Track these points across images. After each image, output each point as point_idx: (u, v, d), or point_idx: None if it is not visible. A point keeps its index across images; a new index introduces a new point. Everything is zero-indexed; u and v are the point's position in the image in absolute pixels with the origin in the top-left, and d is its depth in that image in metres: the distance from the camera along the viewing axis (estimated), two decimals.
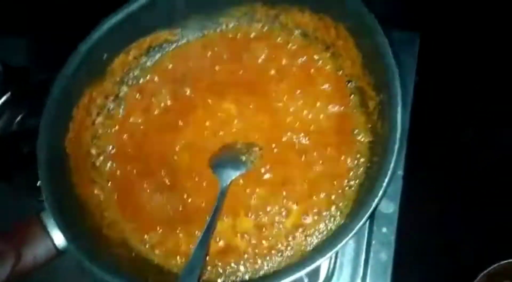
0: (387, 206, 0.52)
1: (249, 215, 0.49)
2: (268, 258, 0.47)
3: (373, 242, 0.51)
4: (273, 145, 0.51)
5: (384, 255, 0.50)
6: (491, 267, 0.54)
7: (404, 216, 0.54)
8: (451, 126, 0.61)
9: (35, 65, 0.70)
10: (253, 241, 0.48)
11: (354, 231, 0.39)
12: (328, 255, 0.39)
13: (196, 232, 0.49)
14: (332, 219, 0.47)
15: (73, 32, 0.52)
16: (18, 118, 0.67)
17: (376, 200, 0.39)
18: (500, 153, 0.62)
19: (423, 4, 0.65)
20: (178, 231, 0.50)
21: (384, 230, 0.51)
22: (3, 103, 0.68)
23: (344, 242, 0.39)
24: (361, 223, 0.39)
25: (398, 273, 0.51)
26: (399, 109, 0.40)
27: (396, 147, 0.40)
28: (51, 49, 0.68)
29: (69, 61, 0.49)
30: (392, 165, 0.40)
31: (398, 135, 0.40)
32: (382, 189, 0.39)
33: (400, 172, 0.53)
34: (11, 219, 0.53)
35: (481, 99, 0.61)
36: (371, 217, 0.51)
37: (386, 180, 0.39)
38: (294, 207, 0.48)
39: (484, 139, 0.62)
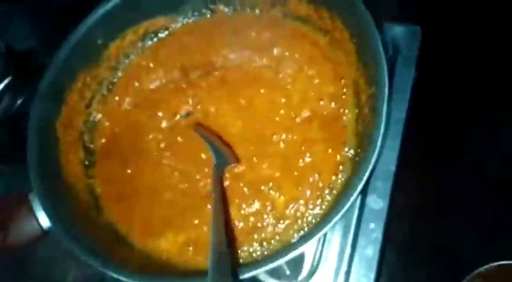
0: (376, 201, 0.51)
1: (237, 205, 0.48)
2: (253, 247, 0.47)
3: (360, 237, 0.50)
4: (264, 138, 0.51)
5: (370, 251, 0.49)
6: (483, 268, 0.53)
7: (394, 212, 0.53)
8: (450, 123, 0.60)
9: (38, 49, 0.71)
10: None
11: (330, 224, 0.39)
12: (304, 246, 0.39)
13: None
14: (315, 211, 0.47)
15: (77, 16, 0.53)
16: (20, 101, 0.68)
17: (355, 194, 0.39)
18: (502, 152, 0.60)
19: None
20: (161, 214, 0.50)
21: (372, 225, 0.50)
22: (5, 86, 0.69)
23: (319, 234, 0.39)
24: (337, 217, 0.39)
25: (383, 270, 0.50)
26: (385, 103, 0.40)
27: (379, 139, 0.39)
28: (54, 33, 0.69)
29: (63, 46, 0.50)
30: (373, 158, 0.39)
31: (382, 128, 0.39)
32: (362, 182, 0.39)
33: (392, 168, 0.52)
34: None
35: (482, 96, 0.60)
36: (360, 211, 0.51)
37: (367, 172, 0.39)
38: (281, 198, 0.48)
39: (486, 138, 0.60)
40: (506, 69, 0.60)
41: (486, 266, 0.51)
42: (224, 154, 0.49)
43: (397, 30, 0.58)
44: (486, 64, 0.60)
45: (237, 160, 0.50)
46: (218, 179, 0.47)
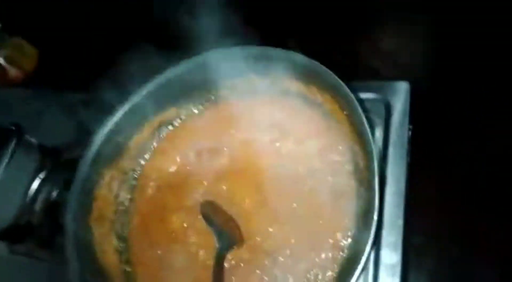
0: (390, 256, 0.54)
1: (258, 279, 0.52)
2: None
3: None
4: (276, 209, 0.55)
5: None
6: None
7: (410, 264, 0.55)
8: (450, 172, 0.63)
9: (67, 143, 0.78)
10: None
11: None
12: None
13: None
14: (332, 275, 0.50)
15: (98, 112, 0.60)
16: (56, 192, 0.75)
17: (364, 257, 0.42)
18: (498, 194, 0.62)
19: (410, 54, 0.68)
20: None
21: (389, 281, 0.53)
22: (41, 179, 0.77)
23: None
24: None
25: None
26: (376, 175, 0.44)
27: (375, 214, 0.43)
28: (80, 129, 0.77)
29: (86, 152, 0.57)
30: (373, 227, 0.43)
31: (376, 201, 0.43)
32: (368, 246, 0.42)
33: (400, 222, 0.55)
34: None
35: (476, 141, 0.63)
36: (375, 267, 0.54)
37: (371, 236, 0.43)
38: (299, 266, 0.52)
39: (487, 184, 0.63)
40: (498, 100, 0.64)
41: None
42: (227, 236, 0.53)
43: (387, 87, 0.63)
44: (476, 108, 0.64)
45: (242, 240, 0.54)
46: (219, 264, 0.51)
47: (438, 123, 0.65)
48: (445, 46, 0.69)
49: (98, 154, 0.57)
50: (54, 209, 0.74)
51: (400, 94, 0.62)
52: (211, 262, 0.54)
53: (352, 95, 0.47)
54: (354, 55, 0.75)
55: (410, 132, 0.60)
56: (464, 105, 0.65)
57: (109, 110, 0.60)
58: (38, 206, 0.75)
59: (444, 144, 0.64)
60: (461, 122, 0.64)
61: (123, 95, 0.60)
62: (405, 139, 0.59)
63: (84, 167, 0.56)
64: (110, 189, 0.60)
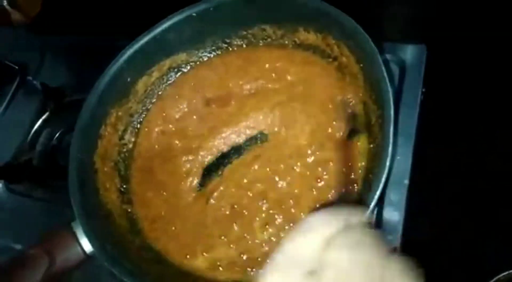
0: (392, 214, 0.54)
1: (260, 224, 0.52)
2: None
3: None
4: (282, 159, 0.55)
5: None
6: (501, 275, 0.54)
7: (411, 224, 0.55)
8: (459, 136, 0.62)
9: (70, 85, 0.77)
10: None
11: None
12: None
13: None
14: None
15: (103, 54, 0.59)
16: (57, 134, 0.74)
17: (368, 211, 0.42)
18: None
19: (430, 16, 0.66)
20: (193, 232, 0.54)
21: (390, 237, 0.53)
22: (43, 120, 0.76)
23: None
24: None
25: None
26: (391, 126, 0.43)
27: (388, 160, 0.42)
28: (84, 70, 0.76)
29: (96, 85, 0.55)
30: (383, 178, 0.42)
31: (389, 149, 0.42)
32: (374, 200, 0.42)
33: (406, 181, 0.55)
34: (46, 225, 0.60)
35: (490, 109, 0.62)
36: (378, 224, 0.54)
37: (378, 191, 0.42)
38: (302, 215, 0.52)
39: (496, 149, 0.62)
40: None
41: (505, 273, 0.53)
42: None
43: (403, 49, 0.61)
44: (494, 76, 0.63)
45: None
46: None
47: (451, 89, 0.63)
48: (463, 13, 0.67)
49: (105, 91, 0.56)
50: (54, 151, 0.74)
51: (416, 57, 0.61)
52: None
53: (371, 42, 0.46)
54: (368, 22, 0.73)
55: (422, 96, 0.60)
56: (479, 74, 0.63)
57: (114, 54, 0.58)
58: (38, 146, 0.74)
59: (455, 109, 0.63)
60: (475, 91, 0.63)
61: (129, 40, 0.59)
62: (417, 101, 0.58)
63: (92, 99, 0.55)
64: (116, 129, 0.59)
